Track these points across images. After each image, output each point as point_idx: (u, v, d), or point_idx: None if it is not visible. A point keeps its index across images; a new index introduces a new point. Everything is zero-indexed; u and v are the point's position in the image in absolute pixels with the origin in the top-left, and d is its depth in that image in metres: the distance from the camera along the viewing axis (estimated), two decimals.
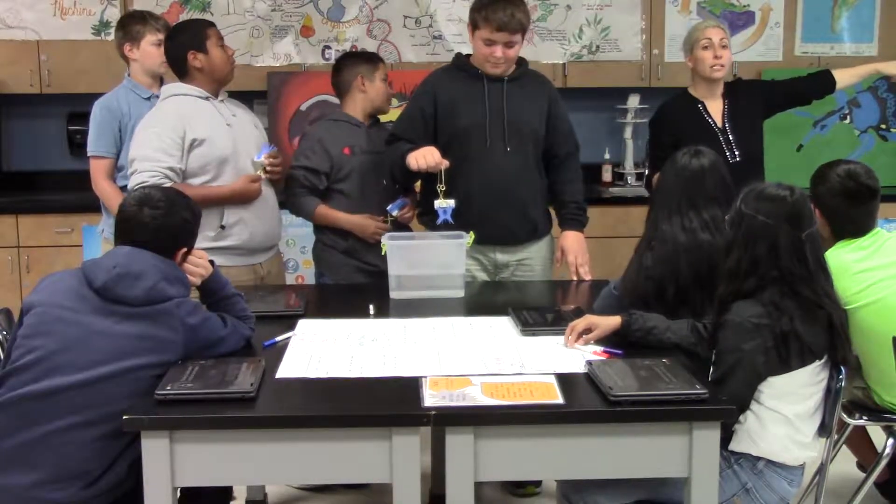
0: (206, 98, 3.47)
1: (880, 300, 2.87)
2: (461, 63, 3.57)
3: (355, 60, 3.77)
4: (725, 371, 2.47)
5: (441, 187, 3.32)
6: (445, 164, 3.33)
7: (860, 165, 2.98)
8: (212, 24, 3.55)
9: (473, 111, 3.47)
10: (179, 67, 3.48)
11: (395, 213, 3.54)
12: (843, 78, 4.03)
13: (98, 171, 3.70)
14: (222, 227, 3.41)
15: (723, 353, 2.49)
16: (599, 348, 2.62)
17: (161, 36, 3.71)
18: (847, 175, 2.93)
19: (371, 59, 3.79)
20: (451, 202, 3.31)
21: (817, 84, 4.02)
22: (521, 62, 3.53)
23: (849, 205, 2.93)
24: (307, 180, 3.60)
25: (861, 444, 3.39)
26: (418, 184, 3.68)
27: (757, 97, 3.90)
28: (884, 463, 3.09)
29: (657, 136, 3.89)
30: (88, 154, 3.75)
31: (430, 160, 3.32)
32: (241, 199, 3.44)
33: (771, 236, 2.48)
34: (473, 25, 3.43)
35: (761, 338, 2.44)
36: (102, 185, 3.69)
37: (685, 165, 2.86)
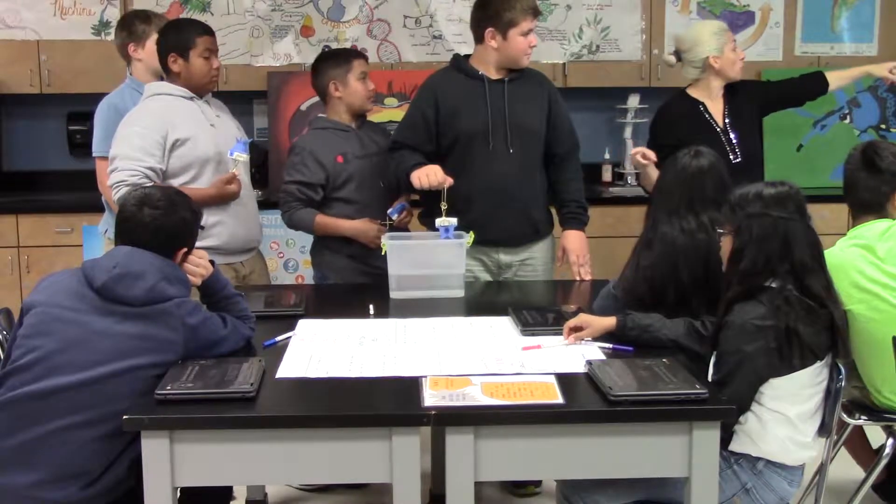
0: (191, 98, 3.46)
1: (881, 303, 2.87)
2: (460, 65, 3.56)
3: (326, 65, 3.65)
4: (727, 373, 2.47)
5: (443, 206, 3.30)
6: (449, 182, 3.33)
7: (889, 144, 3.04)
8: (205, 33, 3.49)
9: (475, 114, 3.46)
10: (163, 66, 3.49)
11: (394, 217, 3.54)
12: (835, 79, 4.04)
13: (105, 172, 3.68)
14: (201, 227, 3.40)
15: (724, 354, 2.49)
16: (608, 345, 2.64)
17: None
18: (867, 145, 3.02)
19: (342, 61, 3.65)
20: (454, 221, 3.30)
21: (810, 85, 4.03)
22: None
23: (859, 174, 2.98)
24: (302, 194, 3.56)
25: (860, 449, 3.38)
26: None
27: (753, 97, 3.90)
28: (884, 463, 3.09)
29: (659, 138, 3.85)
30: (94, 154, 3.72)
31: (432, 179, 3.32)
32: (219, 201, 3.42)
33: (783, 230, 2.50)
34: (509, 25, 3.40)
35: (763, 339, 2.44)
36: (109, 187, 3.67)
37: (685, 166, 2.87)
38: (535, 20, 3.45)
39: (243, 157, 3.43)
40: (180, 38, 3.44)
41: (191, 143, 3.38)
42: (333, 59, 3.69)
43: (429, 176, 3.33)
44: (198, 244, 3.30)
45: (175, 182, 3.37)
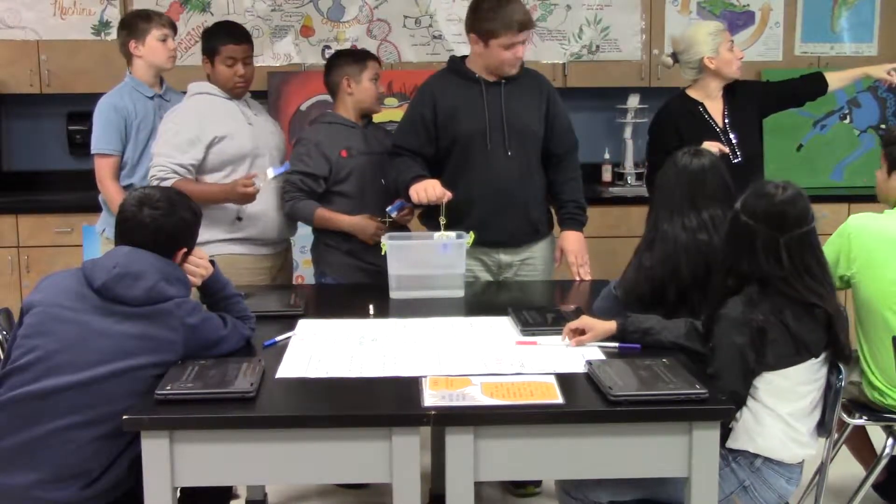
0: (230, 98, 3.58)
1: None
2: (457, 67, 3.55)
3: (342, 61, 3.72)
4: (720, 365, 2.47)
5: (442, 220, 3.30)
6: (448, 196, 3.32)
7: None
8: (232, 41, 3.55)
9: (473, 116, 3.45)
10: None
11: (393, 214, 3.54)
12: (834, 80, 4.04)
13: (104, 170, 3.70)
14: (239, 218, 3.50)
15: (717, 347, 2.49)
16: (615, 344, 2.64)
17: (166, 31, 3.78)
18: None
19: (359, 59, 3.71)
20: (453, 234, 3.30)
21: (810, 86, 4.03)
22: None
23: None
24: (305, 184, 3.58)
25: (862, 448, 3.38)
26: None
27: (753, 97, 3.90)
28: (884, 463, 3.09)
29: (660, 140, 3.84)
30: (93, 152, 3.74)
31: (430, 194, 3.32)
32: (231, 201, 3.48)
33: (749, 236, 2.48)
34: (489, 35, 3.36)
35: (753, 332, 2.44)
36: (108, 185, 3.69)
37: (686, 165, 2.87)
38: (520, 34, 3.35)
39: (270, 174, 3.48)
40: (209, 42, 3.61)
41: (228, 139, 3.50)
42: (351, 56, 3.75)
43: (427, 191, 3.32)
44: (235, 235, 3.50)
45: (213, 177, 3.51)
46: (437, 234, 3.31)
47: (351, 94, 3.67)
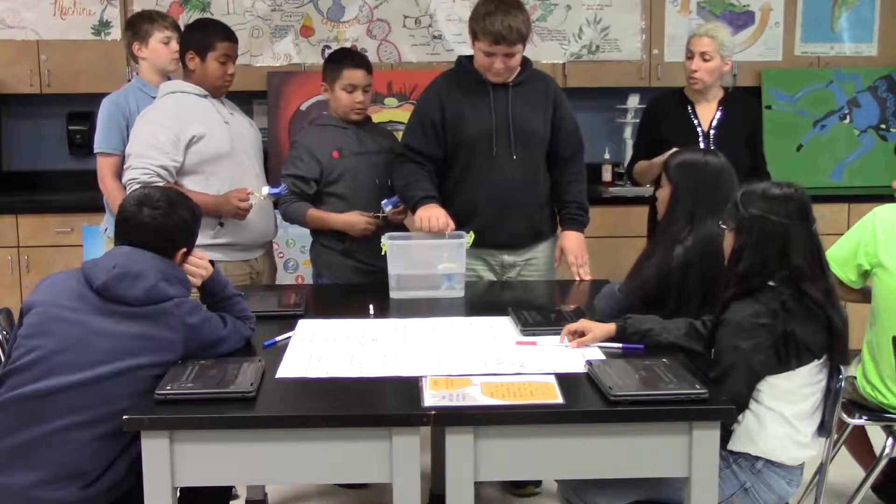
0: (205, 96, 3.50)
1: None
2: (465, 68, 3.53)
3: (325, 66, 3.67)
4: (723, 370, 2.47)
5: (445, 255, 3.29)
6: (451, 228, 3.31)
7: None
8: (227, 39, 3.50)
9: (479, 119, 3.44)
10: (182, 61, 3.54)
11: (387, 209, 3.53)
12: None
13: (105, 169, 3.70)
14: (221, 224, 3.45)
15: (721, 351, 2.49)
16: (619, 344, 2.64)
17: (169, 33, 3.77)
18: None
19: (334, 68, 3.61)
20: (454, 265, 3.27)
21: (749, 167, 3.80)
22: (524, 64, 3.49)
23: None
24: (296, 187, 3.57)
25: (861, 449, 3.37)
26: None
27: (744, 125, 3.87)
28: (883, 463, 3.09)
29: (643, 127, 3.94)
30: (96, 151, 3.74)
31: (433, 225, 3.30)
32: (223, 213, 3.43)
33: (784, 235, 2.48)
34: (473, 35, 3.39)
35: (759, 337, 2.44)
36: (109, 184, 3.68)
37: (701, 169, 2.86)
38: (495, 45, 3.30)
39: (265, 192, 3.46)
40: (202, 38, 3.49)
41: (206, 139, 3.43)
42: (329, 63, 3.69)
43: (430, 222, 3.30)
44: (217, 241, 3.41)
45: (192, 178, 3.43)
46: (441, 266, 3.26)
47: (328, 100, 3.68)
